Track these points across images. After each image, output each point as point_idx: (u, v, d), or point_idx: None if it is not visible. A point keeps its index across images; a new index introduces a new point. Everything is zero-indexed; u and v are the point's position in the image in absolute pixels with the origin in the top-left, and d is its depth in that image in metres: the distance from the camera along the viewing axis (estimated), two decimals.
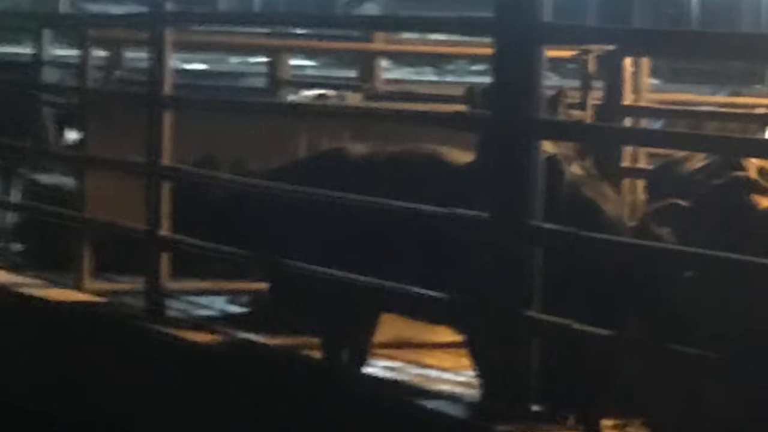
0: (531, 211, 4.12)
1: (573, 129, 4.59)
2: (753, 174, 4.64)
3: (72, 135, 8.27)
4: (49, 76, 9.18)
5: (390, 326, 5.20)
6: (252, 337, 5.49)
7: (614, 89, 6.09)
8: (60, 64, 9.41)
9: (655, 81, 9.70)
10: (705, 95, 9.37)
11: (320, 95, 8.63)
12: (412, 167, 4.85)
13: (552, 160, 4.34)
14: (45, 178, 7.30)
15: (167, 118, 5.52)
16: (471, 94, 4.79)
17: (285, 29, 8.76)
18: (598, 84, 6.34)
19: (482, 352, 4.44)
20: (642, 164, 6.40)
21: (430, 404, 4.43)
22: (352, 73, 9.78)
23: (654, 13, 18.12)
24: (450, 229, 4.43)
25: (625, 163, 6.11)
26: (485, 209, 4.23)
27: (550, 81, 5.10)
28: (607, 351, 4.33)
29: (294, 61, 10.52)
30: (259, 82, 9.62)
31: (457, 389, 4.95)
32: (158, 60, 5.53)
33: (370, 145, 5.12)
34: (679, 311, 4.29)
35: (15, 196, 7.58)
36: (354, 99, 8.08)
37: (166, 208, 5.47)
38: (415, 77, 13.94)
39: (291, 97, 8.63)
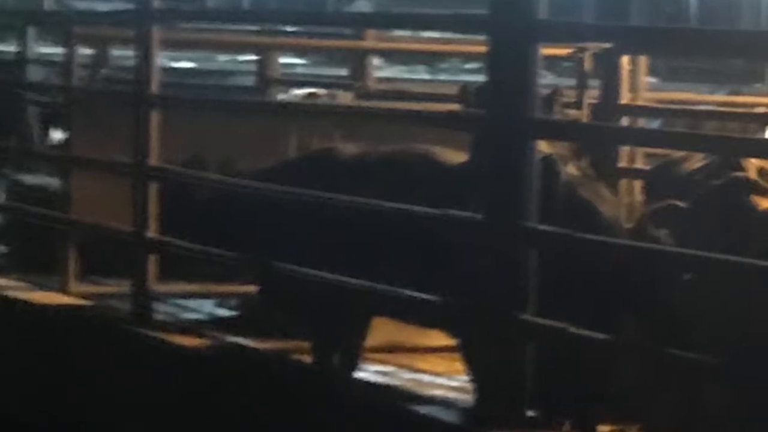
0: (526, 213, 4.09)
1: (569, 128, 4.55)
2: (753, 174, 4.61)
3: (57, 134, 8.22)
4: (34, 74, 9.14)
5: (382, 330, 5.15)
6: (241, 340, 5.44)
7: (611, 88, 6.06)
8: (45, 62, 9.37)
9: (652, 80, 9.68)
10: (704, 94, 9.36)
11: (311, 94, 8.60)
12: (405, 167, 4.81)
13: (548, 160, 4.31)
14: (29, 179, 7.24)
15: (154, 118, 5.48)
16: (465, 92, 4.77)
17: (275, 27, 8.70)
18: (594, 83, 6.31)
19: (476, 357, 4.40)
20: (639, 164, 6.37)
21: (423, 409, 4.41)
22: (343, 72, 9.75)
23: (652, 11, 18.18)
24: (444, 231, 4.38)
25: (623, 164, 6.08)
26: (479, 210, 4.18)
27: (546, 79, 5.05)
28: (603, 355, 4.28)
29: (284, 60, 10.50)
30: (249, 81, 9.60)
31: (451, 394, 4.92)
32: (145, 58, 5.49)
33: (362, 144, 5.06)
34: (677, 314, 4.25)
35: None
36: (345, 98, 8.04)
37: (153, 209, 5.41)
38: (407, 76, 13.93)
39: (281, 96, 8.60)
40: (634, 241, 4.28)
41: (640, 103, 6.58)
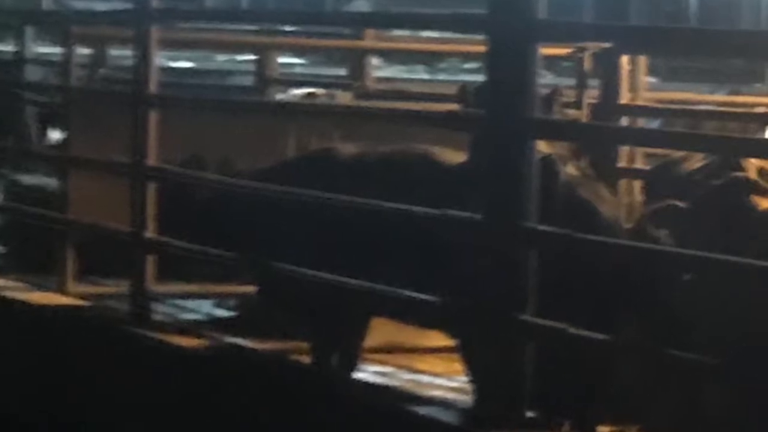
0: (525, 213, 4.07)
1: (568, 128, 4.53)
2: (753, 174, 4.59)
3: (55, 134, 8.19)
4: (32, 74, 9.11)
5: (381, 330, 5.13)
6: (240, 341, 5.42)
7: (611, 88, 6.05)
8: (43, 61, 9.35)
9: (652, 79, 9.67)
10: (704, 94, 9.34)
11: (309, 94, 8.58)
12: (404, 168, 4.79)
13: (547, 160, 4.29)
14: (27, 179, 7.22)
15: (152, 118, 5.46)
16: (464, 92, 4.75)
17: (273, 26, 8.69)
18: (594, 82, 6.29)
19: (475, 357, 4.37)
20: (639, 165, 6.35)
21: (422, 410, 4.39)
22: (342, 72, 9.73)
23: (651, 10, 18.17)
24: (443, 231, 4.36)
25: (622, 164, 6.06)
26: (479, 210, 4.16)
27: (545, 79, 5.03)
28: (603, 355, 4.26)
29: (282, 59, 10.48)
30: (247, 81, 9.58)
31: (450, 395, 4.90)
32: (143, 58, 5.47)
33: (361, 145, 5.04)
34: (677, 314, 4.23)
35: None
36: (344, 98, 8.02)
37: (151, 209, 5.39)
38: (406, 75, 13.90)
39: (280, 96, 8.57)
40: (633, 242, 4.26)
41: (639, 103, 6.56)
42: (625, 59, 6.11)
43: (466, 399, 4.51)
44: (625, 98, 6.15)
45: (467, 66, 14.44)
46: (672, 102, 7.78)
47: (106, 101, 6.36)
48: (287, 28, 8.90)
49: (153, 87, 5.48)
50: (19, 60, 8.94)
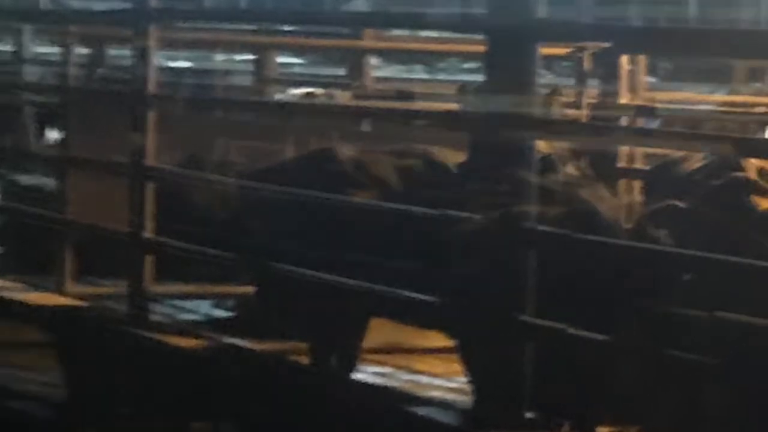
0: (525, 213, 4.03)
1: (568, 128, 4.51)
2: (753, 174, 4.58)
3: (53, 134, 8.18)
4: (30, 73, 9.10)
5: (380, 330, 5.12)
6: (238, 342, 5.41)
7: (610, 88, 6.02)
8: (41, 61, 9.33)
9: (652, 79, 9.65)
10: (704, 94, 9.33)
11: (308, 93, 8.57)
12: (404, 167, 4.77)
13: (547, 160, 4.27)
14: (25, 179, 7.20)
15: (151, 117, 5.45)
16: (463, 92, 4.73)
17: (272, 26, 8.68)
18: (593, 82, 6.27)
19: (474, 358, 4.36)
20: (639, 165, 6.34)
21: (421, 411, 4.40)
22: (341, 71, 9.72)
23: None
24: (442, 232, 4.35)
25: (622, 164, 6.05)
26: (478, 211, 4.14)
27: (545, 79, 5.02)
28: (602, 356, 4.25)
29: (281, 59, 10.47)
30: (246, 80, 9.56)
31: (449, 396, 4.88)
32: (142, 57, 5.46)
33: (360, 144, 5.03)
34: (677, 315, 4.22)
35: None
36: (343, 97, 8.01)
37: (149, 209, 5.38)
38: (405, 75, 13.88)
39: (278, 96, 8.56)
40: (633, 242, 4.26)
41: (639, 103, 6.55)
42: (624, 59, 6.11)
43: (465, 400, 4.51)
44: (624, 98, 6.14)
45: (466, 66, 14.43)
46: (672, 102, 7.78)
47: (105, 101, 6.35)
48: (286, 28, 8.90)
49: (152, 87, 5.47)
50: (17, 59, 8.94)
